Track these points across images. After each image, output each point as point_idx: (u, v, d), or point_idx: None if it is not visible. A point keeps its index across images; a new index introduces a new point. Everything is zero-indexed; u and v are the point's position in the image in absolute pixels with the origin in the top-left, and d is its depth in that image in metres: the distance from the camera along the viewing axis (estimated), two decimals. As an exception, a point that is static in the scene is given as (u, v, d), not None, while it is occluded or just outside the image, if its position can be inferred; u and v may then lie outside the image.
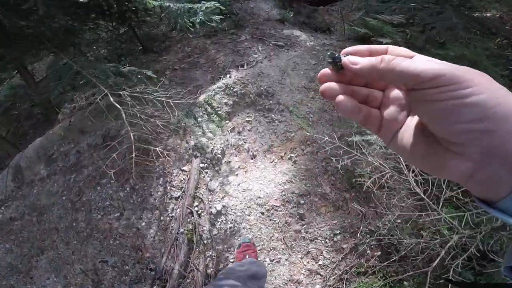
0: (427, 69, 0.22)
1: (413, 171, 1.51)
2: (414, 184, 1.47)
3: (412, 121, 0.27)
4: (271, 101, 2.42)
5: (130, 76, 1.75)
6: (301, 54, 2.90)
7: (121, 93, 1.50)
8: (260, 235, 2.00)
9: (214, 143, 2.23)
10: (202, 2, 2.28)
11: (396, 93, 0.28)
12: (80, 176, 2.16)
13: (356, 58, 0.27)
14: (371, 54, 0.28)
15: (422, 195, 1.44)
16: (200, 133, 2.21)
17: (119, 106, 1.45)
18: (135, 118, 1.59)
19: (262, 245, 1.96)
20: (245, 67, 2.78)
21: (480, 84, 0.21)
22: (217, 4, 2.37)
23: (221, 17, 2.49)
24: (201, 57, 2.97)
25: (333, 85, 0.28)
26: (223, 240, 1.94)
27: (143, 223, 1.97)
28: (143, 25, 3.14)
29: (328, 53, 0.28)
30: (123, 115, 1.45)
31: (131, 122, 1.55)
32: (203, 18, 2.21)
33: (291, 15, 3.78)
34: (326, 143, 1.80)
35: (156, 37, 3.50)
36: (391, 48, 0.27)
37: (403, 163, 1.53)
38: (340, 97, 0.27)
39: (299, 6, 3.91)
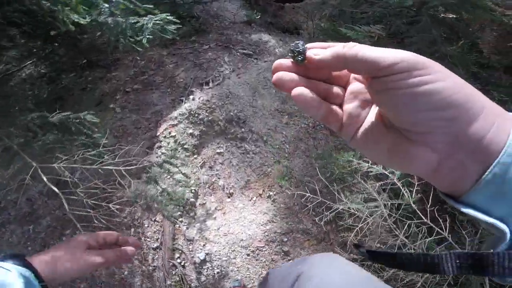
0: (387, 55, 0.22)
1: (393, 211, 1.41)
2: (394, 226, 1.39)
3: (374, 117, 0.26)
4: (243, 129, 2.15)
5: (67, 124, 1.36)
6: (271, 65, 2.61)
7: (55, 166, 1.12)
8: (249, 274, 1.90)
9: (185, 186, 1.94)
10: (149, 16, 1.87)
11: (358, 87, 0.27)
12: (39, 227, 1.82)
13: (319, 50, 0.26)
14: None
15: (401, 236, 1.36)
16: (168, 179, 1.89)
17: (58, 191, 1.08)
18: (81, 205, 1.23)
19: (253, 283, 1.86)
20: (211, 84, 2.44)
21: (440, 72, 0.21)
22: (170, 17, 1.97)
23: (178, 26, 2.10)
24: (158, 73, 2.56)
25: (291, 74, 0.26)
26: (213, 285, 1.81)
27: (126, 272, 1.74)
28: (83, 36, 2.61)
29: (293, 44, 0.28)
30: (65, 205, 1.08)
31: (78, 216, 1.19)
32: (150, 36, 1.82)
33: (258, 16, 3.43)
34: (308, 198, 1.62)
35: (102, 47, 2.97)
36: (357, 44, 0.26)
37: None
38: (299, 89, 0.25)
39: (265, 3, 3.55)
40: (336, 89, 0.28)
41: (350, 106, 0.27)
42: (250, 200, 2.00)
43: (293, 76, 0.26)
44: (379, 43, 2.12)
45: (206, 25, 3.01)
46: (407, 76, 0.20)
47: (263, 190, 2.00)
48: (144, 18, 1.88)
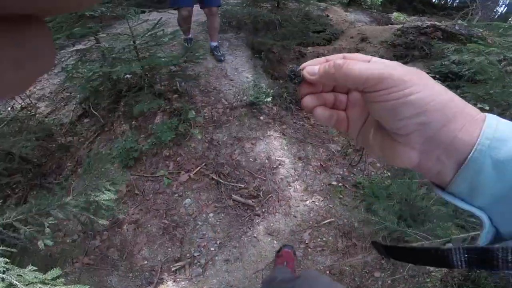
0: (371, 74, 0.25)
1: None
2: None
3: (370, 121, 0.31)
4: None
5: None
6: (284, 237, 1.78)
7: None
8: None
9: None
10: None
11: (356, 96, 0.31)
12: None
13: (313, 68, 0.29)
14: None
15: None
16: None
17: None
18: None
19: None
20: (187, 273, 1.70)
21: (417, 84, 0.24)
22: (113, 196, 1.14)
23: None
24: (114, 240, 1.80)
25: (309, 99, 0.31)
26: None
27: None
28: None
29: (289, 70, 0.31)
30: None
31: None
32: None
33: (270, 97, 2.31)
34: None
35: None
36: (348, 55, 0.29)
37: None
38: (318, 110, 0.31)
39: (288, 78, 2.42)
40: (341, 97, 0.32)
41: (352, 112, 0.32)
42: None
43: (311, 100, 0.31)
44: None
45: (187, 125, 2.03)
46: (388, 92, 0.24)
47: None
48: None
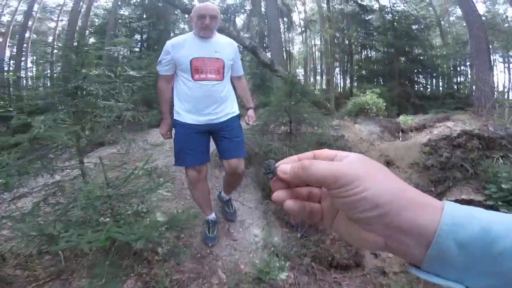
0: (328, 174, 0.28)
1: None
2: None
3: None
4: None
5: None
6: None
7: None
8: None
9: None
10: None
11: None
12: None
13: (285, 167, 0.32)
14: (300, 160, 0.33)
15: None
16: None
17: None
18: None
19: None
20: None
21: (369, 180, 0.27)
22: None
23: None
24: None
25: (280, 193, 0.33)
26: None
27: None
28: None
29: (265, 164, 0.33)
30: None
31: None
32: None
33: (285, 273, 1.62)
34: None
35: None
36: (317, 152, 0.33)
37: None
38: (287, 202, 0.32)
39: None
40: (315, 190, 0.34)
41: (325, 203, 0.34)
42: None
43: (281, 194, 0.33)
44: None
45: None
46: (345, 190, 0.27)
47: None
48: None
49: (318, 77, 19.59)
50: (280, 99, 2.73)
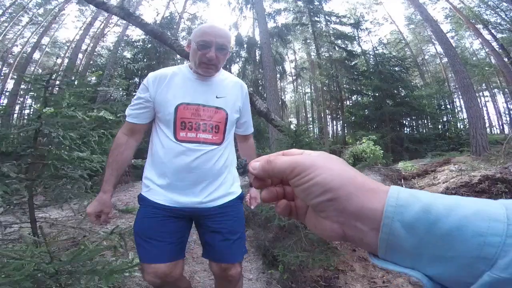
0: (286, 165, 0.30)
1: None
2: None
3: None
4: None
5: None
6: None
7: None
8: None
9: None
10: None
11: None
12: None
13: (255, 163, 0.34)
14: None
15: None
16: None
17: None
18: None
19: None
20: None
21: (321, 167, 0.28)
22: None
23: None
24: None
25: (265, 194, 0.35)
26: None
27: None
28: None
29: (238, 161, 0.36)
30: None
31: None
32: None
33: None
34: None
35: None
36: (286, 151, 0.34)
37: None
38: (263, 192, 0.35)
39: None
40: (288, 189, 0.35)
41: (297, 200, 0.35)
42: None
43: (269, 195, 0.35)
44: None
45: None
46: (300, 177, 0.29)
47: None
48: None
49: (310, 126, 19.92)
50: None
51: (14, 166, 1.47)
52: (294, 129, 2.32)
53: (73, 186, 1.59)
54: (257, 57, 12.62)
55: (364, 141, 7.80)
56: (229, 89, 1.18)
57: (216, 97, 1.13)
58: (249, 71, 13.24)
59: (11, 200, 1.57)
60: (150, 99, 1.10)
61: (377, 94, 13.22)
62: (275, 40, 13.03)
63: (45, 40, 17.43)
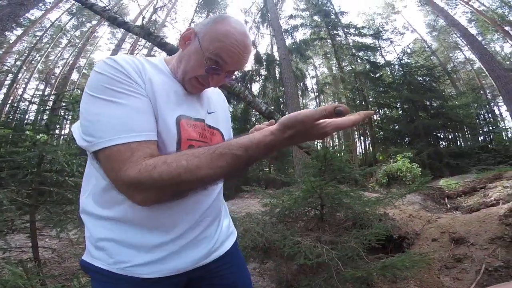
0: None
1: None
2: None
3: None
4: None
5: None
6: None
7: None
8: None
9: None
10: None
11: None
12: None
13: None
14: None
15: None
16: None
17: None
18: None
19: None
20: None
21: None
22: None
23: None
24: None
25: None
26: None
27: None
28: None
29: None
30: None
31: None
32: None
33: None
34: None
35: None
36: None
37: None
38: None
39: None
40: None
41: None
42: None
43: None
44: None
45: None
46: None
47: None
48: None
49: (336, 143, 19.16)
50: (310, 179, 1.88)
51: (12, 192, 1.38)
52: (323, 152, 2.01)
53: (73, 212, 1.47)
54: (277, 75, 12.59)
55: (399, 158, 7.14)
56: (216, 101, 0.83)
57: (208, 112, 0.76)
58: (269, 89, 13.22)
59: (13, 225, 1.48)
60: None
61: (407, 107, 12.38)
62: (294, 56, 12.98)
63: (82, 61, 19.07)
